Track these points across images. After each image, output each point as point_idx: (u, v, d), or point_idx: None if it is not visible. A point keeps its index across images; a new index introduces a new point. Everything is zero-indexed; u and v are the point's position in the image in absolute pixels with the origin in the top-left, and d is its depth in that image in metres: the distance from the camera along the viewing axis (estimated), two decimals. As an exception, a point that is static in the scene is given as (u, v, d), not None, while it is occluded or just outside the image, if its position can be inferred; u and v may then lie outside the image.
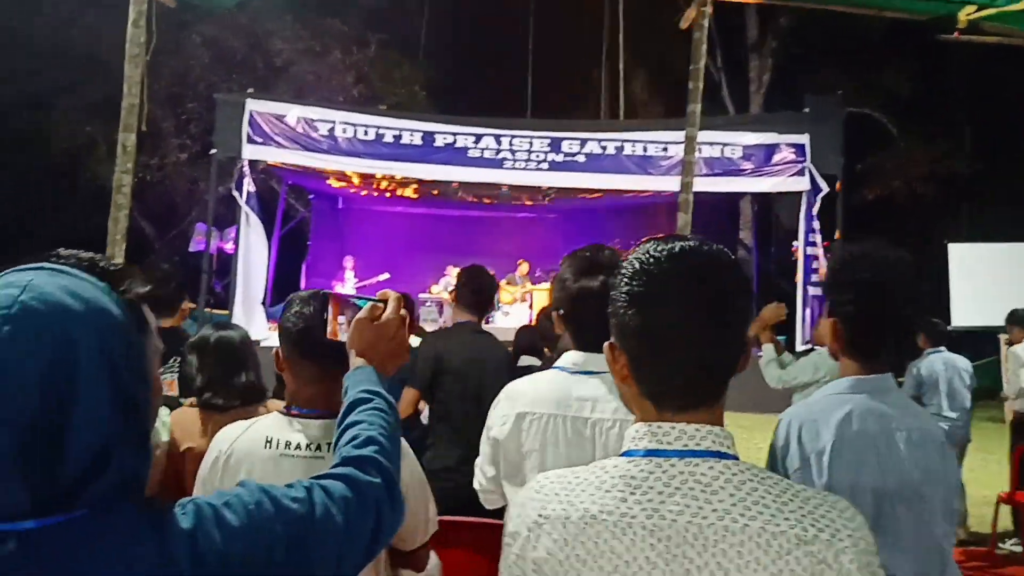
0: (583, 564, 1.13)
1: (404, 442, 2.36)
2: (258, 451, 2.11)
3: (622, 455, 1.21)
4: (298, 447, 2.09)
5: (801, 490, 1.15)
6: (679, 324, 1.16)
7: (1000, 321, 7.42)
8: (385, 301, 1.66)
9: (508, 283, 14.21)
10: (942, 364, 6.84)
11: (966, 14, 5.13)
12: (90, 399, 0.99)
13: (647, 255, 1.21)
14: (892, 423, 1.99)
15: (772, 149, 12.89)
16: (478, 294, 4.37)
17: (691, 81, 5.81)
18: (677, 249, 1.21)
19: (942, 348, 7.00)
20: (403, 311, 1.70)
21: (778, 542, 1.08)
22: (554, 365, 2.37)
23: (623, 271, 1.23)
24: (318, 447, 2.09)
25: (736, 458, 1.17)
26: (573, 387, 2.24)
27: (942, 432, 2.13)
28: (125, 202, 5.78)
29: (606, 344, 1.27)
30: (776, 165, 12.84)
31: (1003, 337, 7.75)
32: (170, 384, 4.17)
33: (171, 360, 4.33)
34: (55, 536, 0.97)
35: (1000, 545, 6.62)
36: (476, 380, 4.06)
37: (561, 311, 2.36)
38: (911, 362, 6.76)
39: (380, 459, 1.33)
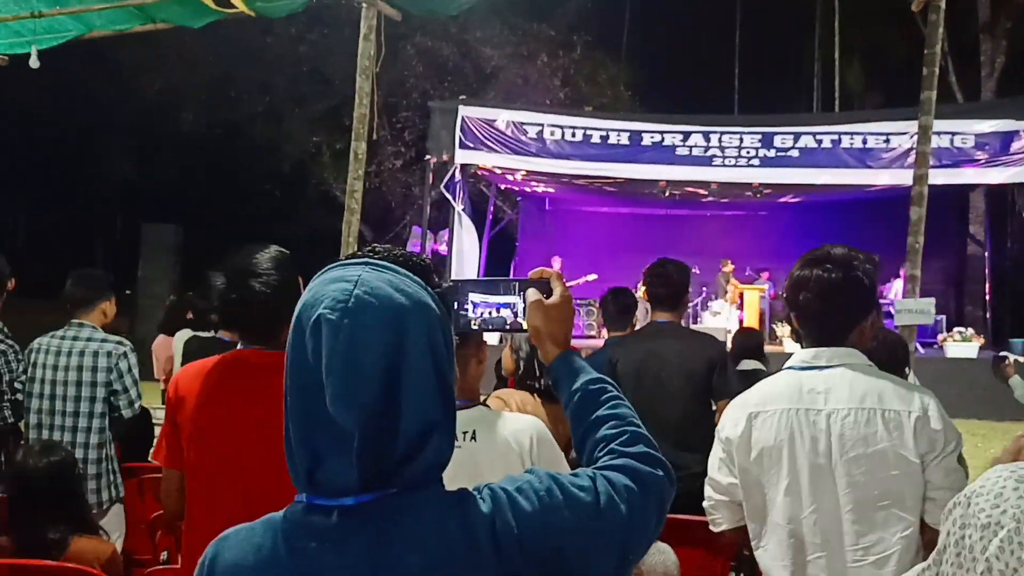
0: None
1: (540, 422, 2.40)
2: None
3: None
4: (463, 435, 2.19)
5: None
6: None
7: None
8: (546, 280, 1.57)
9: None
10: None
11: None
12: (419, 386, 1.06)
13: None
14: None
15: (1010, 137, 11.88)
16: (667, 286, 4.07)
17: (925, 66, 5.44)
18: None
19: None
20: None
21: None
22: (785, 365, 2.34)
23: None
24: (462, 436, 2.16)
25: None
26: (804, 382, 2.21)
27: None
28: (356, 206, 6.11)
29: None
30: (1015, 154, 11.84)
31: None
32: None
33: None
34: (371, 512, 1.05)
35: None
36: (656, 380, 3.85)
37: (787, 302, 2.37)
38: None
39: (655, 452, 1.32)
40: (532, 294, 1.53)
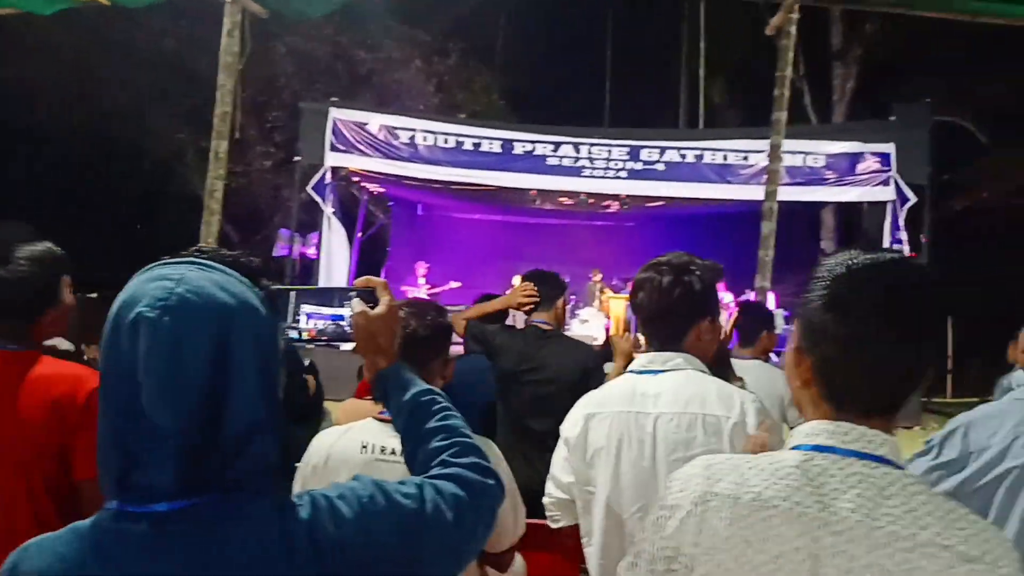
0: (748, 544, 1.15)
1: (495, 446, 2.41)
2: (354, 456, 2.15)
3: (793, 448, 1.24)
4: (393, 452, 2.14)
5: (967, 512, 1.17)
6: (873, 332, 1.19)
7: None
8: (371, 290, 1.54)
9: (590, 292, 14.22)
10: None
11: (1067, 18, 4.97)
12: (242, 388, 1.05)
13: (849, 263, 1.24)
14: None
15: (856, 158, 12.62)
16: (541, 288, 4.08)
17: (776, 88, 5.73)
18: (881, 260, 1.24)
19: None
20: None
21: (945, 555, 1.10)
22: (627, 369, 2.43)
23: (821, 275, 1.26)
24: (390, 452, 2.14)
25: (903, 468, 1.20)
26: (638, 386, 2.29)
27: None
28: (217, 207, 5.97)
29: (791, 348, 1.30)
30: (861, 175, 12.57)
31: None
32: None
33: None
34: (188, 518, 1.02)
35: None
36: (531, 385, 3.90)
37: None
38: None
39: (486, 463, 1.34)
40: (356, 304, 1.50)
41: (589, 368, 3.94)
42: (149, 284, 1.05)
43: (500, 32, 19.97)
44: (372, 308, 1.50)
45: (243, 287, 1.10)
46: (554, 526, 2.52)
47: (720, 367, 2.89)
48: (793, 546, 1.13)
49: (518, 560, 2.67)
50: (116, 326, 1.04)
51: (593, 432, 2.31)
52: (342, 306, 1.61)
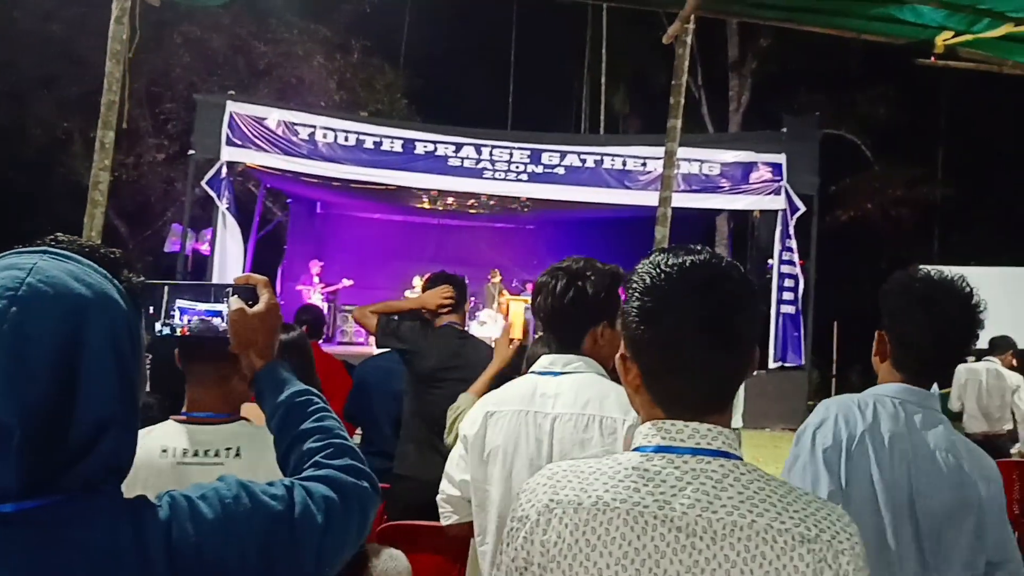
0: (592, 549, 1.16)
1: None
2: (154, 461, 2.05)
3: (634, 450, 1.25)
4: (195, 454, 2.04)
5: (803, 494, 1.22)
6: (687, 339, 1.21)
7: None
8: (251, 287, 1.52)
9: (488, 294, 14.26)
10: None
11: (943, 39, 5.20)
12: (96, 382, 1.00)
13: (656, 269, 1.26)
14: (927, 436, 2.02)
15: (749, 167, 13.01)
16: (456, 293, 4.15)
17: (672, 96, 5.84)
18: (687, 263, 1.25)
19: (991, 358, 7.20)
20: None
21: (783, 539, 1.14)
22: (530, 370, 2.44)
23: (634, 285, 1.27)
24: (216, 452, 2.06)
25: (741, 459, 1.23)
26: (539, 386, 2.32)
27: (988, 458, 2.08)
28: (102, 199, 5.72)
29: (618, 356, 1.32)
30: (753, 183, 12.97)
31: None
32: None
33: None
34: (33, 520, 0.97)
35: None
36: (450, 384, 3.87)
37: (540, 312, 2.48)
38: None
39: (361, 465, 1.33)
40: (235, 301, 1.47)
41: (504, 371, 3.98)
42: None
43: (404, 31, 19.82)
44: (251, 306, 1.47)
45: (101, 278, 1.06)
46: (445, 523, 2.51)
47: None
48: (635, 547, 1.15)
49: (403, 562, 2.65)
50: None
51: (491, 430, 2.32)
52: (220, 302, 1.56)
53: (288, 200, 16.77)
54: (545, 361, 2.38)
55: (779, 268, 12.98)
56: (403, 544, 2.60)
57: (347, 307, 14.42)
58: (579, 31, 19.83)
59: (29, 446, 0.95)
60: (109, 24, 5.75)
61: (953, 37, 5.20)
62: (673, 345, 1.22)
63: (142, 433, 2.11)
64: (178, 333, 1.55)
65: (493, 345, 5.38)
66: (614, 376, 2.45)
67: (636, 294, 1.26)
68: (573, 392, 2.26)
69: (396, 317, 4.15)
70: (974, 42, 5.19)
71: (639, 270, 1.28)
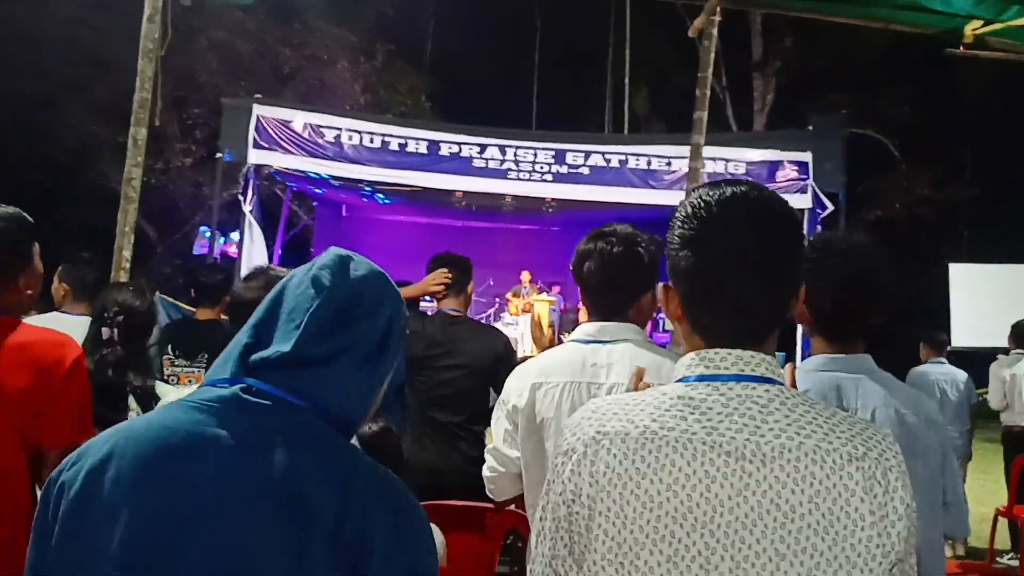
0: (643, 477, 1.17)
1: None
2: None
3: (678, 381, 1.26)
4: None
5: (847, 415, 1.23)
6: (728, 266, 1.22)
7: (1000, 342, 7.43)
8: None
9: (514, 295, 14.25)
10: (940, 374, 6.88)
11: (972, 29, 5.19)
12: (396, 347, 1.36)
13: (700, 199, 1.27)
14: (858, 401, 2.00)
15: (775, 166, 12.93)
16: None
17: (698, 88, 5.86)
18: (728, 193, 1.26)
19: (943, 360, 7.03)
20: None
21: (831, 458, 1.15)
22: (570, 338, 2.41)
23: (677, 214, 1.29)
24: None
25: (784, 384, 1.24)
26: (588, 356, 2.27)
27: (936, 412, 2.11)
28: (135, 195, 5.83)
29: (660, 285, 1.34)
30: (779, 182, 12.87)
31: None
32: (198, 379, 4.11)
33: (199, 355, 4.27)
34: None
35: (998, 560, 6.63)
36: (442, 369, 3.92)
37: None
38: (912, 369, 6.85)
39: None
40: None
41: (500, 353, 3.97)
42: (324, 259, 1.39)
43: (428, 34, 19.93)
44: None
45: None
46: (498, 499, 2.51)
47: None
48: (685, 473, 1.15)
49: (439, 539, 2.67)
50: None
51: (540, 403, 2.28)
52: None
53: (314, 203, 16.86)
54: (592, 329, 2.33)
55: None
56: (442, 523, 2.63)
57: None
58: (602, 32, 19.87)
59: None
60: (139, 28, 5.87)
61: (983, 26, 5.18)
62: (713, 274, 1.23)
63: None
64: None
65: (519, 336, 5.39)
66: None
67: (679, 222, 1.27)
68: (627, 361, 2.22)
69: None
70: (1004, 31, 5.17)
71: (685, 200, 1.30)
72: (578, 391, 2.24)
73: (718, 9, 5.54)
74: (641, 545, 1.15)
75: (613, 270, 2.29)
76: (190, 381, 4.13)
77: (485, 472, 2.50)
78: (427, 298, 4.64)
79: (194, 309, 4.97)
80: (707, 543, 1.14)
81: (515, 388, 2.37)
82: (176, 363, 4.26)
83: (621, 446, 1.19)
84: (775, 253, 1.23)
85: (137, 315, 3.06)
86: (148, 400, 2.87)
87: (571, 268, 2.43)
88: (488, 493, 2.54)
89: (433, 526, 2.68)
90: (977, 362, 8.80)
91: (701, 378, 1.23)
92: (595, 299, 2.37)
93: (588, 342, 2.31)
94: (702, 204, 1.26)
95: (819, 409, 1.21)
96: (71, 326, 3.08)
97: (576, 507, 1.21)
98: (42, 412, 2.25)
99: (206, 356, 4.25)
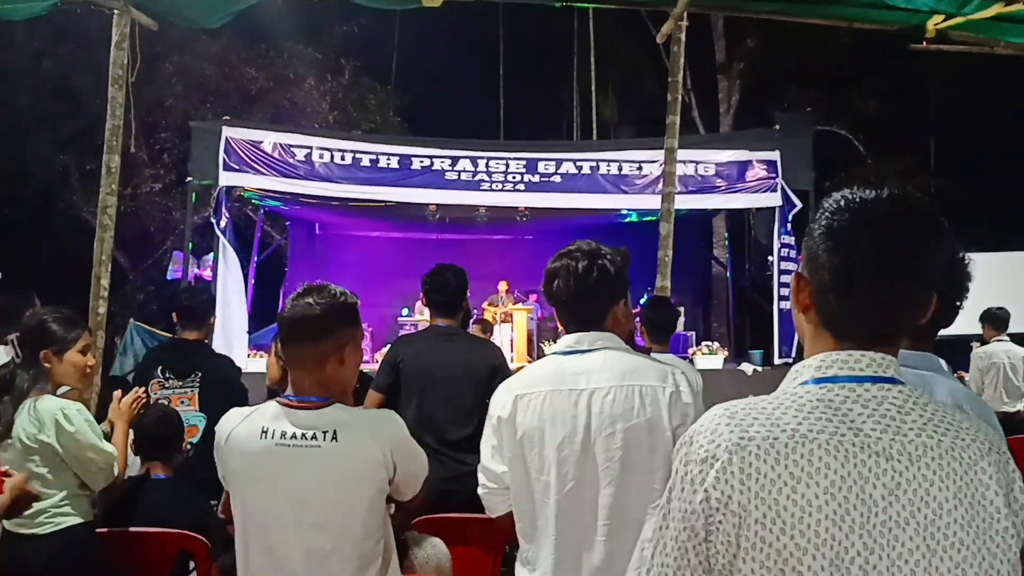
0: (798, 481, 1.18)
1: (393, 412, 2.43)
2: (253, 441, 2.15)
3: (807, 383, 1.27)
4: (293, 436, 2.15)
5: (964, 414, 1.29)
6: (868, 262, 1.25)
7: (972, 330, 7.51)
8: None
9: (491, 304, 14.27)
10: (1004, 352, 6.94)
11: (934, 23, 5.29)
12: None
13: (851, 195, 1.30)
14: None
15: (745, 166, 13.05)
16: (443, 292, 4.13)
17: (669, 93, 5.92)
18: (880, 194, 1.29)
19: (1005, 337, 7.08)
20: None
21: (967, 455, 1.21)
22: (550, 351, 2.48)
23: (825, 206, 1.31)
24: (313, 436, 2.14)
25: (910, 386, 1.28)
26: (567, 366, 2.35)
27: (994, 416, 2.07)
28: (110, 223, 5.80)
29: (793, 274, 1.35)
30: (749, 182, 13.00)
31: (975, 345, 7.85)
32: (191, 398, 4.12)
33: (192, 375, 4.26)
34: None
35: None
36: (442, 384, 3.93)
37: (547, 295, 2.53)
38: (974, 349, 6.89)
39: None
40: None
41: (496, 365, 4.00)
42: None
43: (394, 49, 19.95)
44: None
45: None
46: (493, 515, 2.53)
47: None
48: (840, 475, 1.17)
49: (443, 550, 2.69)
50: None
51: (521, 413, 2.33)
52: None
53: (287, 223, 16.79)
54: (569, 340, 2.40)
55: (779, 265, 12.99)
56: (445, 535, 2.65)
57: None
58: (566, 42, 19.96)
59: None
60: (104, 59, 5.86)
61: (944, 20, 5.29)
62: (849, 264, 1.26)
63: (247, 411, 2.21)
64: None
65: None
66: (631, 346, 2.50)
67: (827, 213, 1.30)
68: (607, 366, 2.29)
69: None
70: (965, 24, 5.27)
71: (835, 194, 1.32)
72: (559, 397, 2.30)
73: (685, 14, 5.60)
74: (803, 551, 1.16)
75: (581, 283, 2.38)
76: (183, 402, 4.12)
77: (479, 490, 2.53)
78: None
79: (169, 335, 4.92)
80: (865, 543, 1.16)
81: (499, 401, 2.43)
82: (167, 384, 4.24)
83: (771, 451, 1.19)
84: (914, 253, 1.26)
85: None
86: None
87: (542, 289, 2.52)
88: (487, 511, 2.57)
89: (438, 539, 2.69)
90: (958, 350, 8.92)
91: (834, 380, 1.26)
92: (568, 313, 2.45)
93: (567, 353, 2.38)
94: (853, 199, 1.29)
95: (946, 408, 1.26)
96: None
97: (721, 515, 1.20)
98: None
99: (199, 375, 4.25)
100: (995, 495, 1.19)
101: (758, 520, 1.17)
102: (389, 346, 4.30)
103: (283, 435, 2.15)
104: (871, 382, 1.25)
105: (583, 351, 2.36)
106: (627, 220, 14.87)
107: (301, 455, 2.11)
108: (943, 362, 2.15)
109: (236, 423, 2.22)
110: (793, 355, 12.94)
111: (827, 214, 1.30)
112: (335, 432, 2.16)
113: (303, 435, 2.14)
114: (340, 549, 2.12)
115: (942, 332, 2.25)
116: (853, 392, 1.24)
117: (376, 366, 4.21)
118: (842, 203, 1.29)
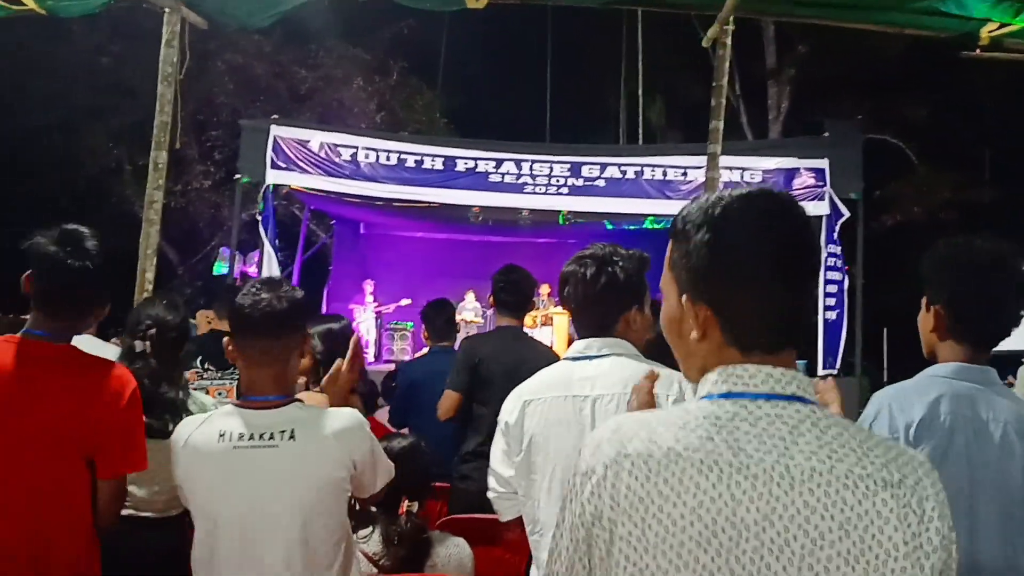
0: (665, 500, 1.12)
1: (355, 410, 2.38)
2: (211, 445, 2.14)
3: (702, 398, 1.22)
4: (251, 437, 2.13)
5: (883, 439, 1.18)
6: (761, 269, 1.19)
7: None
8: None
9: (532, 307, 14.29)
10: None
11: (988, 31, 5.17)
12: None
13: (720, 202, 1.24)
14: (989, 413, 1.96)
15: (792, 173, 12.89)
16: (515, 293, 4.19)
17: (713, 98, 5.86)
18: (751, 194, 1.24)
19: None
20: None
21: (864, 484, 1.10)
22: (562, 357, 2.48)
23: (692, 219, 1.25)
24: (271, 436, 2.13)
25: (817, 404, 1.20)
26: (575, 371, 2.35)
27: None
28: (156, 218, 5.89)
29: (674, 303, 1.28)
30: (796, 190, 12.82)
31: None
32: (229, 391, 4.16)
33: (231, 368, 4.30)
34: None
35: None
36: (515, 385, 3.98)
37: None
38: None
39: None
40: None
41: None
42: None
43: (441, 50, 20.06)
44: None
45: None
46: (503, 519, 2.53)
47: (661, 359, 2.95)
48: (710, 496, 1.11)
49: (466, 550, 2.68)
50: None
51: (528, 418, 2.35)
52: None
53: (332, 222, 16.96)
54: (580, 346, 2.40)
55: (824, 275, 12.81)
56: (471, 537, 2.65)
57: (392, 325, 14.63)
58: (615, 45, 19.90)
59: None
60: (156, 56, 5.96)
61: (998, 28, 5.17)
62: (747, 276, 1.19)
63: (203, 418, 2.22)
64: None
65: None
66: (648, 355, 2.47)
67: (696, 226, 1.23)
68: (612, 373, 2.29)
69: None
70: (1020, 32, 5.15)
71: (690, 207, 1.26)
72: (564, 404, 2.30)
73: (731, 19, 5.54)
74: (664, 572, 1.11)
75: (588, 289, 2.38)
76: (220, 394, 4.17)
77: (489, 494, 2.53)
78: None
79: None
80: (732, 569, 1.09)
81: (509, 407, 2.44)
82: (204, 375, 4.29)
83: (643, 468, 1.14)
84: (800, 254, 1.21)
85: (169, 328, 3.10)
86: (180, 411, 2.90)
87: (559, 293, 2.52)
88: (497, 515, 2.57)
89: (461, 539, 2.69)
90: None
91: (727, 395, 1.19)
92: (578, 319, 2.46)
93: (576, 359, 2.38)
94: (723, 206, 1.23)
95: (853, 432, 1.17)
96: None
97: (596, 530, 1.17)
98: (101, 442, 2.27)
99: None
100: (893, 531, 1.08)
101: (623, 537, 1.14)
102: (461, 344, 4.31)
103: (240, 436, 2.11)
104: (765, 399, 1.17)
105: (591, 357, 2.35)
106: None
107: (259, 456, 2.09)
108: (997, 376, 2.09)
109: (194, 427, 2.19)
110: (837, 366, 12.77)
111: (702, 227, 1.23)
112: (292, 431, 2.14)
113: (260, 435, 2.11)
114: (300, 550, 2.10)
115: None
116: (744, 409, 1.16)
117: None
118: (714, 212, 1.22)
